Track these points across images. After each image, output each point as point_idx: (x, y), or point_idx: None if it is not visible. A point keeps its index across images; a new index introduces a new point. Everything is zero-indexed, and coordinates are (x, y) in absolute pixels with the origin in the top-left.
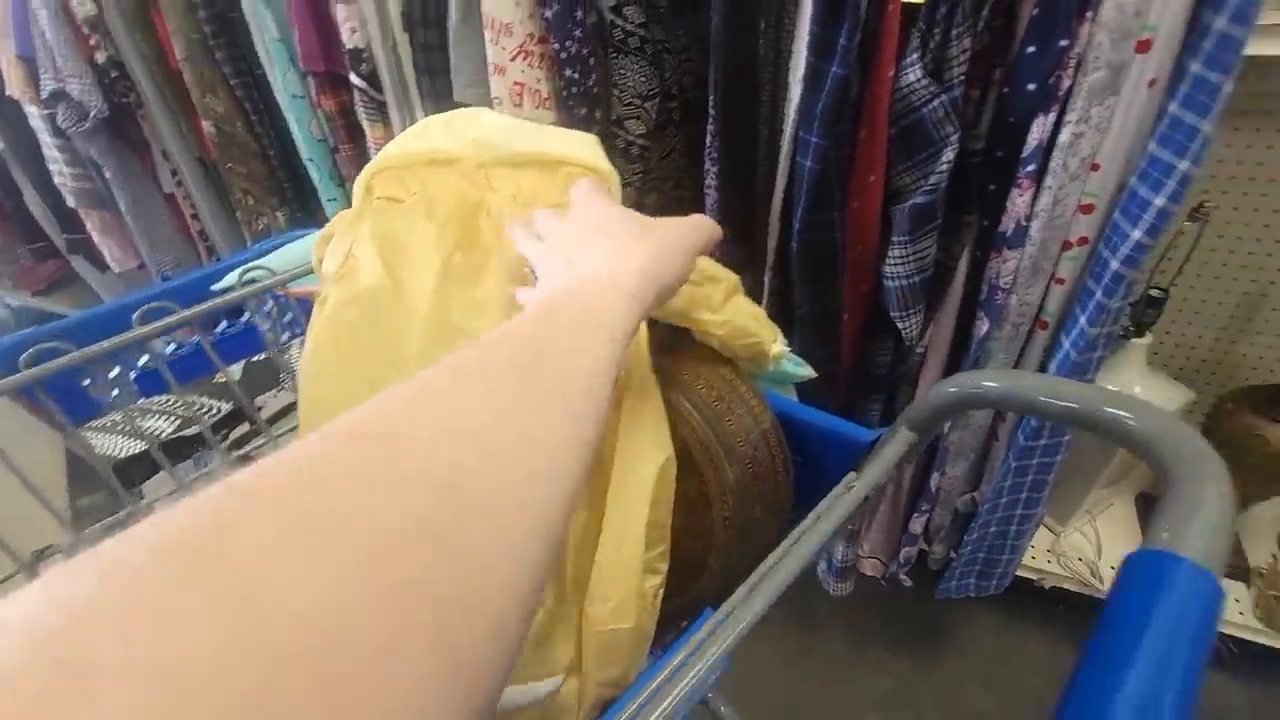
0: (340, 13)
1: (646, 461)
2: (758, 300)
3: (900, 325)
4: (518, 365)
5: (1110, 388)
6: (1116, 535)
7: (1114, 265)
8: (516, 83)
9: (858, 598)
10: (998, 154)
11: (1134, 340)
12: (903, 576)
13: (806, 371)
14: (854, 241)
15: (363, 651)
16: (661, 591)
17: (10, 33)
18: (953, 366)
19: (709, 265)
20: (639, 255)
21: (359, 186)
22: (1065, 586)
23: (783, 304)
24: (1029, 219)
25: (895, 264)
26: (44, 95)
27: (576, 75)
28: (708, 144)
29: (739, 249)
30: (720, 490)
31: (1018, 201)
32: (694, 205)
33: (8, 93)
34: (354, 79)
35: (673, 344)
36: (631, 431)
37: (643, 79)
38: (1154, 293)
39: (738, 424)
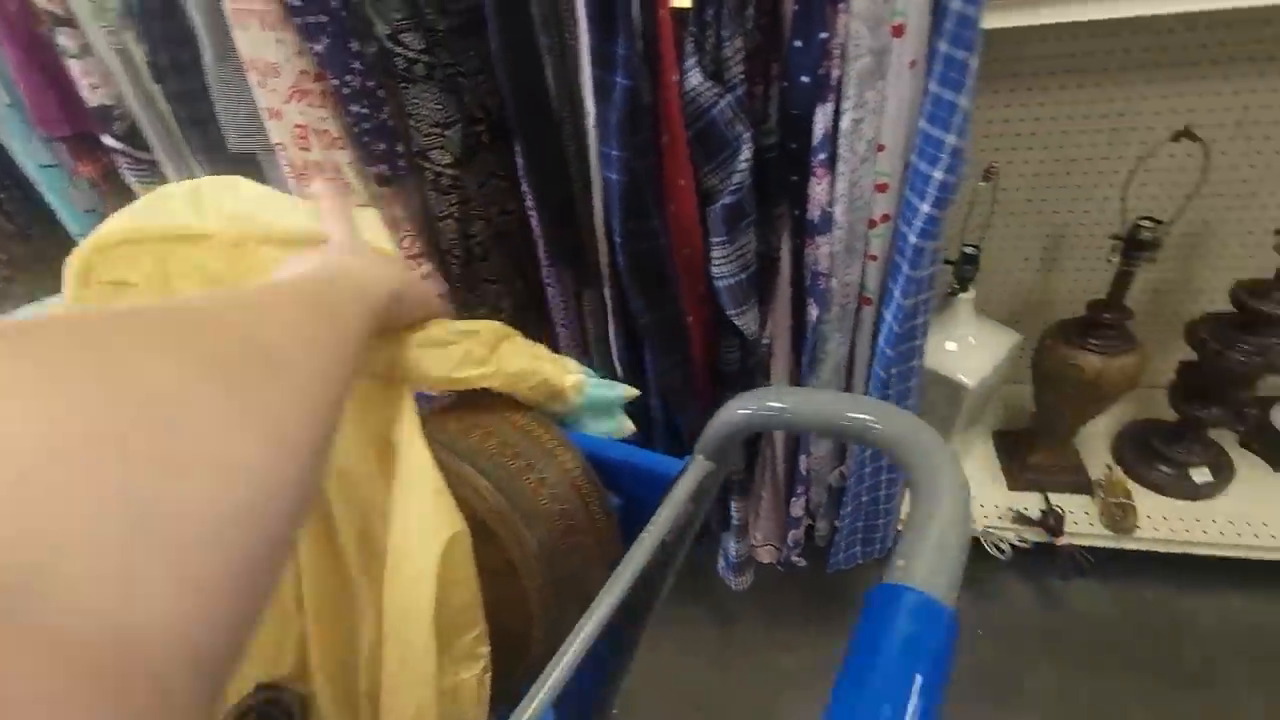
0: (75, 68)
1: (425, 546)
2: (605, 317)
3: (738, 322)
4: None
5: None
6: (981, 475)
7: (912, 239)
8: (298, 125)
9: (767, 584)
10: (792, 146)
11: (961, 295)
12: (795, 558)
13: (622, 391)
14: (680, 245)
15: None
16: (488, 677)
17: None
18: (798, 352)
19: (460, 323)
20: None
21: (72, 270)
22: None
23: (626, 314)
24: (831, 204)
25: (719, 264)
26: None
27: (365, 110)
28: (520, 167)
29: (572, 269)
30: (524, 557)
31: (817, 189)
32: (526, 229)
33: None
34: (108, 140)
35: (458, 405)
36: (406, 516)
37: (438, 106)
38: (968, 250)
39: (538, 481)
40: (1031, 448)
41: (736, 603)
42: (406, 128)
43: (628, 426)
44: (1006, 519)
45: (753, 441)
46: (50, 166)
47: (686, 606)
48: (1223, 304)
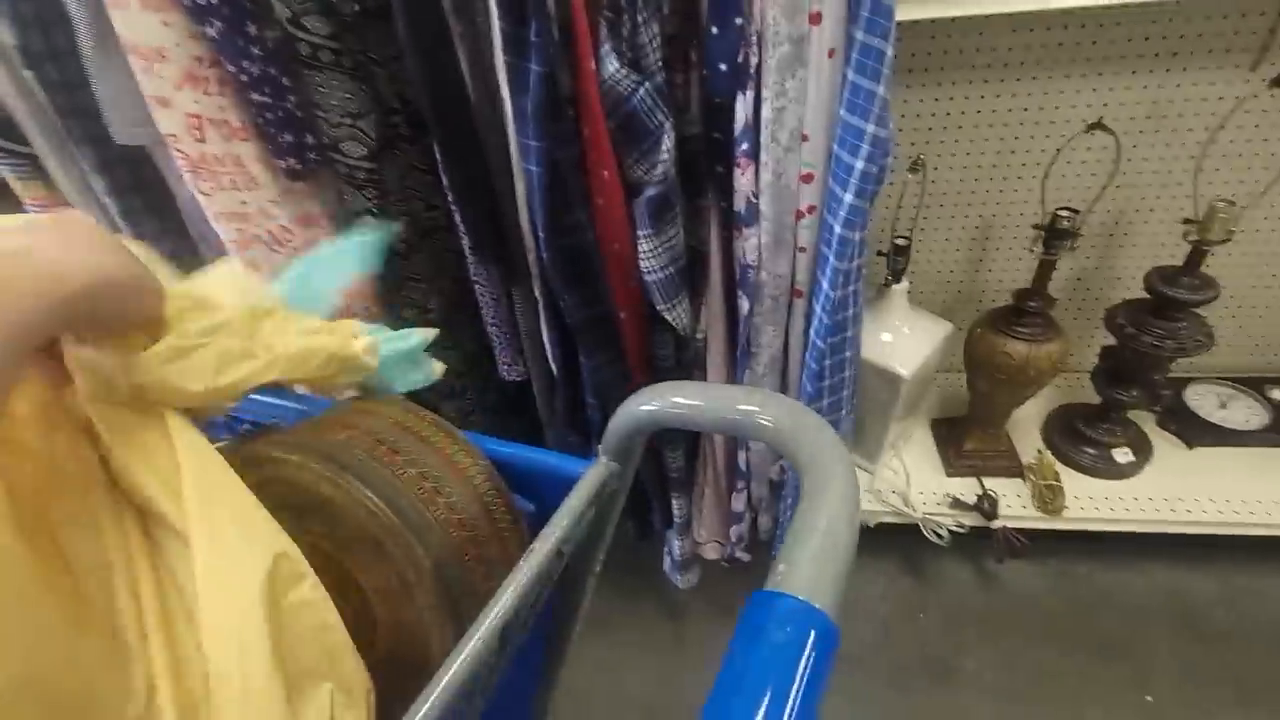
0: None
1: (244, 576)
2: (535, 316)
3: (668, 316)
4: None
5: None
6: (921, 462)
7: (838, 229)
8: (191, 115)
9: (715, 581)
10: (715, 135)
11: (894, 287)
12: (740, 554)
13: (420, 337)
14: (609, 239)
15: None
16: (372, 698)
17: None
18: (732, 345)
19: (201, 319)
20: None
21: None
22: (888, 520)
23: (558, 311)
24: (757, 195)
25: (647, 258)
26: None
27: (268, 99)
28: (438, 160)
29: (498, 267)
30: (418, 576)
31: (741, 180)
32: (452, 225)
33: None
34: None
35: (346, 415)
36: (213, 550)
37: (348, 95)
38: (899, 241)
39: (432, 489)
40: (967, 434)
41: (685, 600)
42: (314, 118)
43: (437, 369)
44: (945, 505)
45: (693, 437)
46: None
47: (636, 605)
48: (1139, 291)
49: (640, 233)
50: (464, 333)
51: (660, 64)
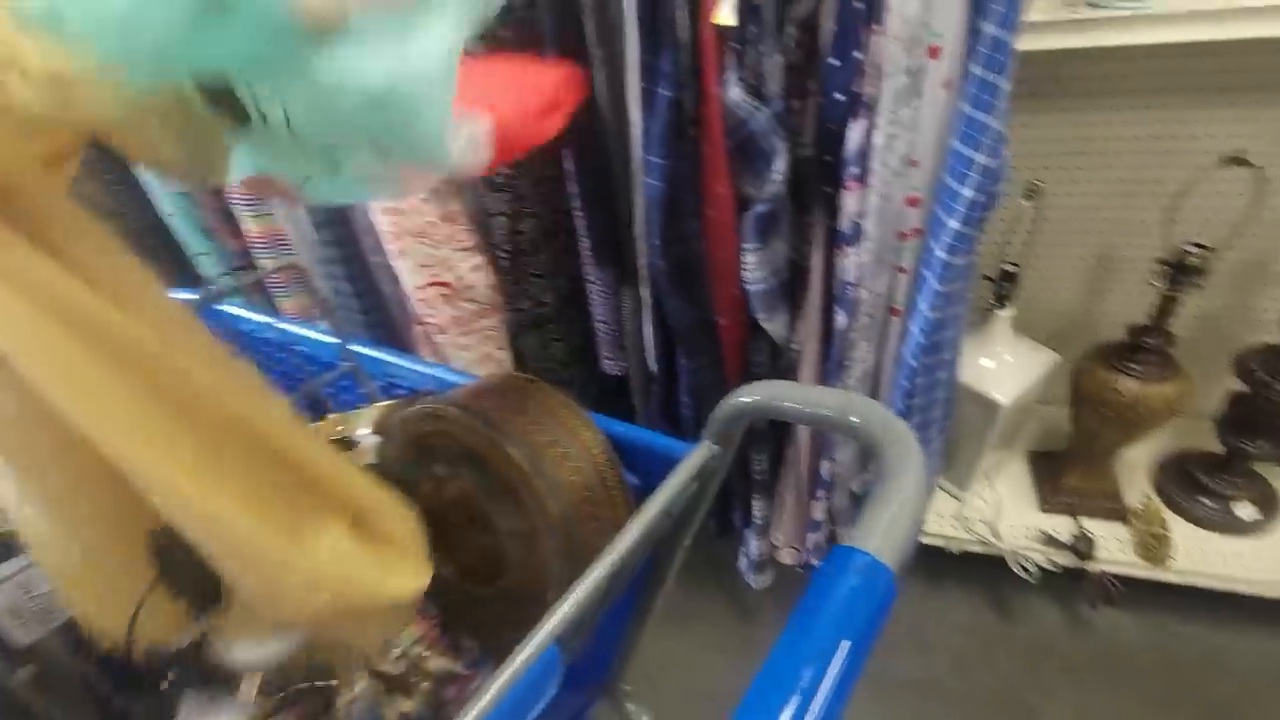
0: None
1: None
2: (640, 317)
3: (767, 327)
4: None
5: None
6: (1015, 494)
7: (940, 254)
8: None
9: (790, 585)
10: (826, 158)
11: (999, 313)
12: (815, 562)
13: None
14: (716, 249)
15: None
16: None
17: None
18: (826, 359)
19: None
20: None
21: None
22: (973, 549)
23: (662, 315)
24: (862, 216)
25: (751, 269)
26: None
27: None
28: (569, 171)
29: (613, 269)
30: (547, 524)
31: (848, 201)
32: (572, 228)
33: None
34: None
35: (492, 389)
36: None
37: None
38: (1008, 268)
39: (562, 454)
40: (1067, 470)
41: (756, 603)
42: None
43: None
44: (1036, 540)
45: (779, 442)
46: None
47: (708, 603)
48: (1276, 335)
49: (746, 245)
50: (572, 327)
51: (780, 91)
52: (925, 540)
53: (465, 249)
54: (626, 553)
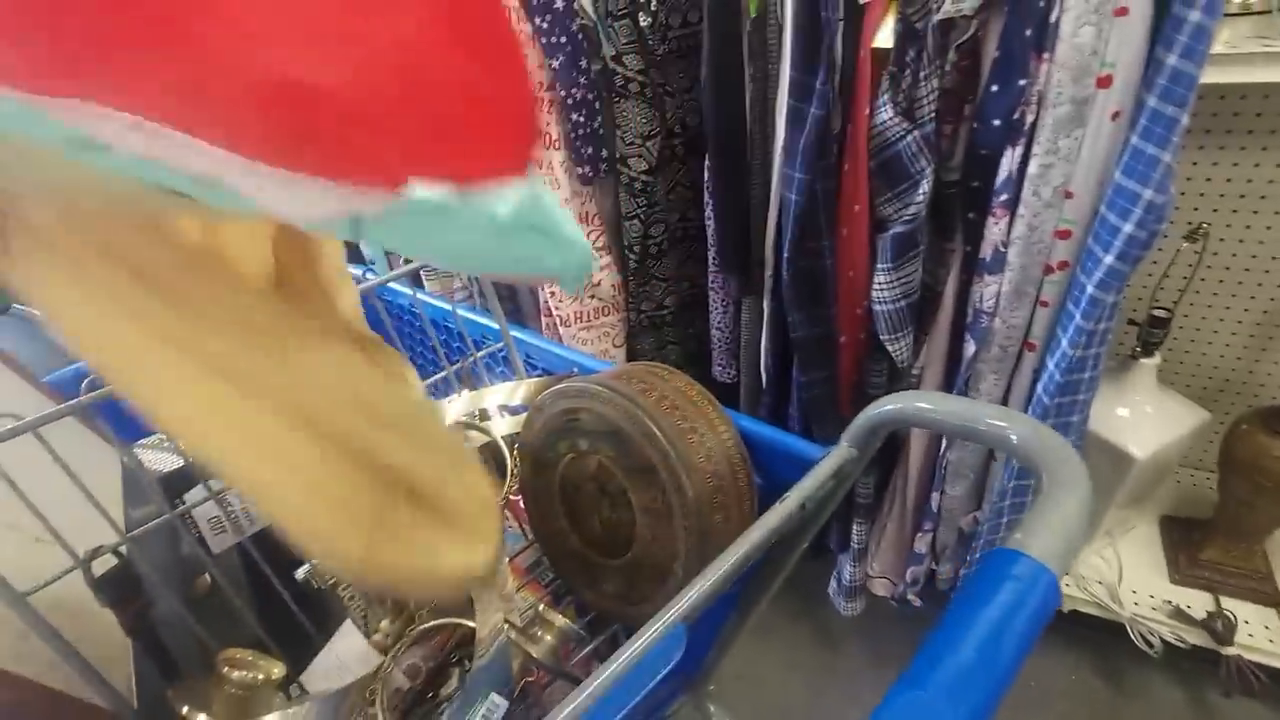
0: None
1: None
2: (759, 326)
3: (890, 348)
4: None
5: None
6: (1139, 558)
7: (1090, 289)
8: None
9: (877, 617)
10: (974, 184)
11: (1143, 360)
12: (911, 596)
13: None
14: (845, 267)
15: None
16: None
17: None
18: (947, 387)
19: None
20: None
21: None
22: (1084, 610)
23: (781, 326)
24: (1006, 245)
25: (881, 289)
26: None
27: (583, 119)
28: (706, 180)
29: (738, 278)
30: (681, 502)
31: (993, 229)
32: (702, 236)
33: None
34: None
35: (636, 373)
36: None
37: (643, 120)
38: (1158, 312)
39: (698, 441)
40: (1207, 542)
41: (842, 631)
42: (613, 136)
43: None
44: (1163, 612)
45: (887, 468)
46: None
47: (792, 622)
48: None
49: (880, 265)
50: (688, 332)
51: (932, 115)
52: None
53: (597, 249)
54: (761, 540)
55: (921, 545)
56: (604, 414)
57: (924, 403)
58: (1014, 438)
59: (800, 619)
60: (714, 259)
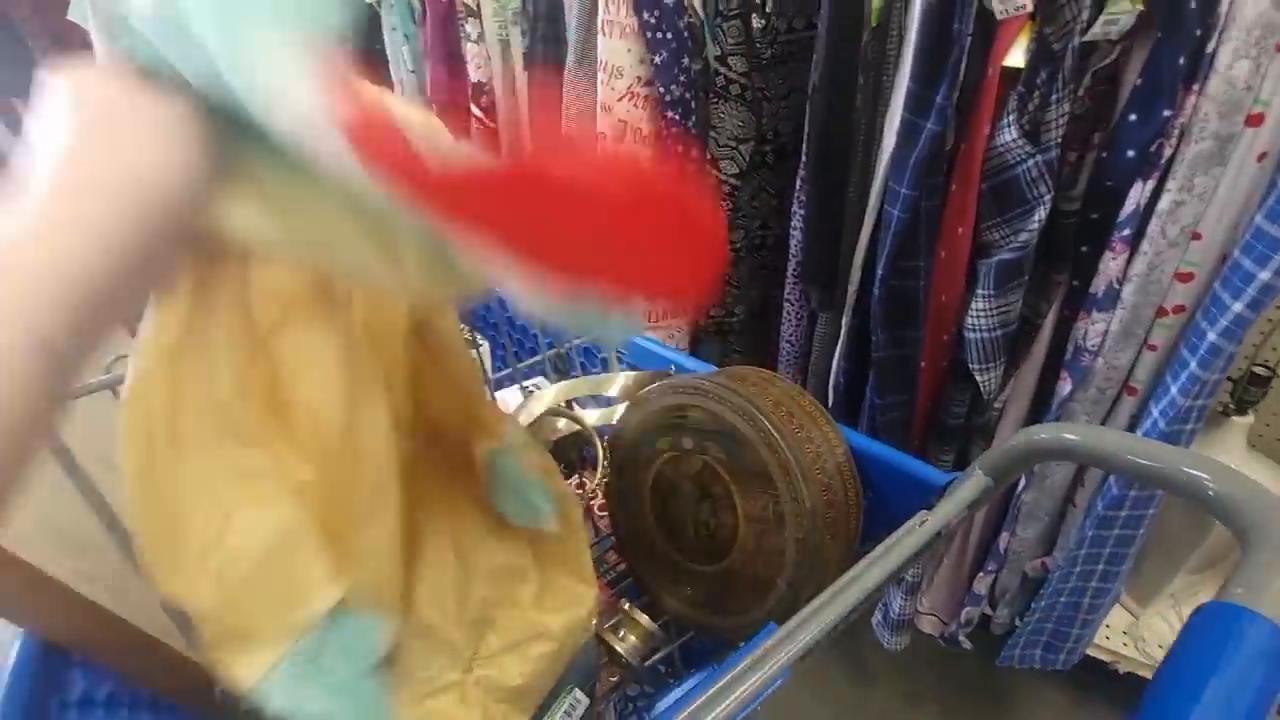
0: (470, 51)
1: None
2: (836, 342)
3: (979, 378)
4: None
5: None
6: None
7: (1211, 336)
8: (620, 120)
9: (913, 655)
10: (1093, 216)
11: (1234, 418)
12: (963, 638)
13: None
14: (939, 290)
15: None
16: None
17: None
18: (1032, 424)
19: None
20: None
21: None
22: (1141, 674)
23: (859, 344)
24: (1121, 282)
25: (978, 316)
26: None
27: (677, 117)
28: (797, 188)
29: (818, 291)
30: (796, 512)
31: (1110, 264)
32: (779, 245)
33: None
34: (474, 109)
35: (746, 375)
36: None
37: (739, 123)
38: (1259, 370)
39: (815, 452)
40: None
41: (880, 664)
42: (706, 137)
43: None
44: None
45: None
46: None
47: (827, 655)
48: None
49: (980, 291)
50: (754, 342)
51: (1058, 140)
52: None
53: None
54: (899, 564)
55: (981, 586)
56: (717, 413)
57: (1085, 434)
58: (1212, 489)
59: (832, 651)
60: (794, 270)
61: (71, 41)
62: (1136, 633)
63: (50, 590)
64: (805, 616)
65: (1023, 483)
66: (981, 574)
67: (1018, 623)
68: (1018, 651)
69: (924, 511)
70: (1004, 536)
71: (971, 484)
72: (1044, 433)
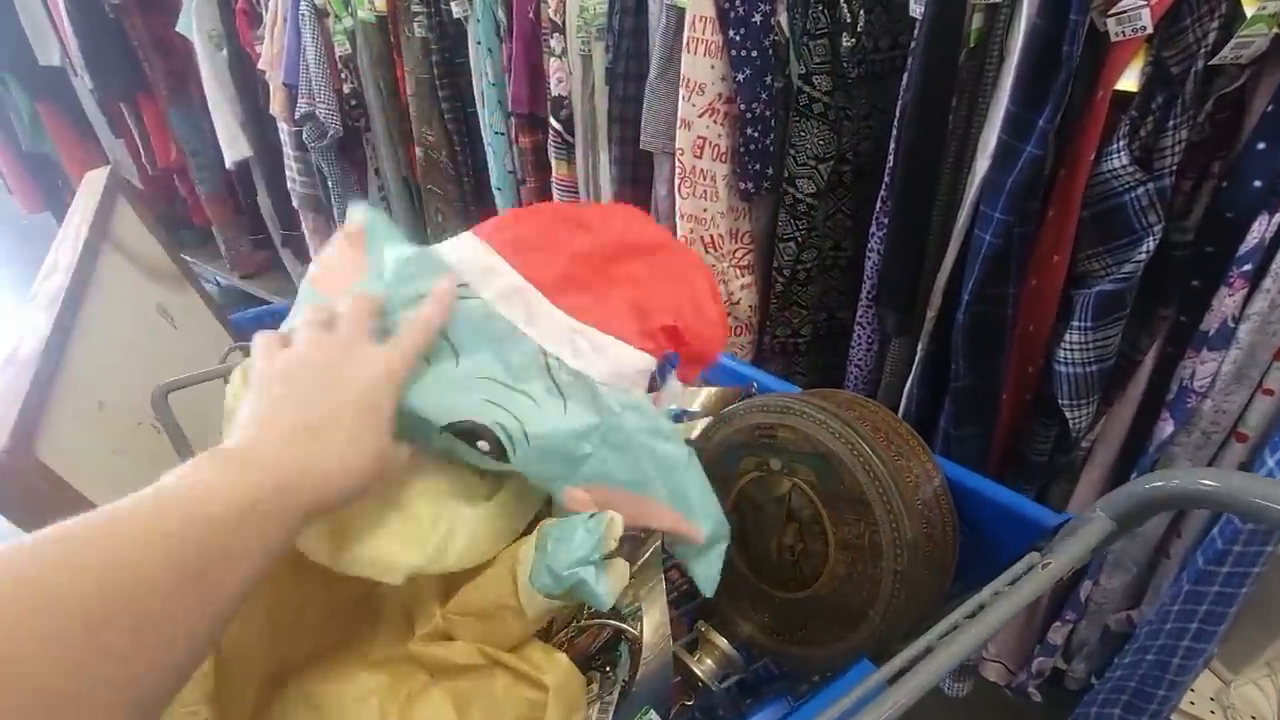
0: (551, 65)
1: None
2: (908, 367)
3: (1068, 414)
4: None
5: None
6: None
7: None
8: (700, 136)
9: (974, 703)
10: (1207, 249)
11: None
12: (1032, 689)
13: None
14: (1027, 319)
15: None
16: None
17: (282, 64)
18: (1123, 466)
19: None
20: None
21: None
22: None
23: (935, 372)
24: (1238, 320)
25: (1072, 349)
26: (296, 115)
27: (756, 134)
28: (877, 209)
29: (895, 314)
30: (895, 542)
31: (1226, 301)
32: (852, 266)
33: (271, 111)
34: (552, 122)
35: (848, 400)
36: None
37: (820, 142)
38: None
39: (914, 481)
40: None
41: (933, 708)
42: (784, 155)
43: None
44: None
45: None
46: (500, 134)
47: None
48: None
49: (1075, 323)
50: (819, 364)
51: (1173, 168)
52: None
53: (741, 267)
54: (1014, 608)
55: (1057, 636)
56: (811, 435)
57: (1222, 481)
58: None
59: None
60: (869, 291)
61: (174, 48)
62: (1226, 700)
63: None
64: (913, 658)
65: None
66: (1058, 623)
67: (1094, 679)
68: (1094, 709)
69: (1035, 554)
70: (1086, 585)
71: (1095, 528)
72: (1174, 479)
